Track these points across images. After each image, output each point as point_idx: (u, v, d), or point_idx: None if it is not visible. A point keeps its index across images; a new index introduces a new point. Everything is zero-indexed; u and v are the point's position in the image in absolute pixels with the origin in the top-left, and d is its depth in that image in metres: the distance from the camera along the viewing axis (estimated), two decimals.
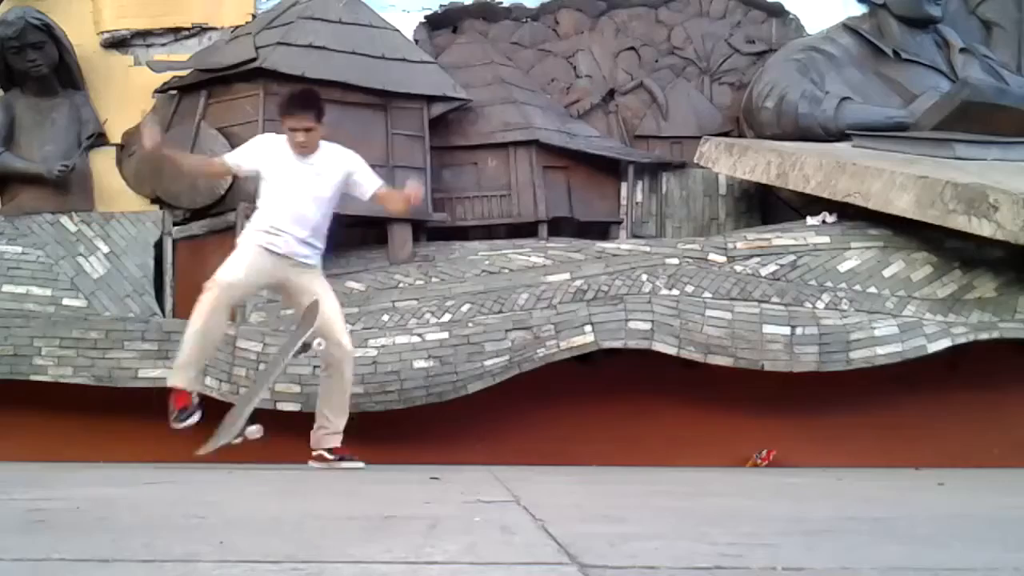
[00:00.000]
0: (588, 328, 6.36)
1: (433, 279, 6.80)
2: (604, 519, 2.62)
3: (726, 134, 7.72)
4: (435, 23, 8.07)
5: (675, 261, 6.71)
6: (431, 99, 7.31)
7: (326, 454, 5.56)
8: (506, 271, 6.77)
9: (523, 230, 7.44)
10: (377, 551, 1.90)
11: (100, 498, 3.16)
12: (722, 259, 6.74)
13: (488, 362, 6.31)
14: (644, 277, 6.58)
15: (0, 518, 2.48)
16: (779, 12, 8.13)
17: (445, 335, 6.36)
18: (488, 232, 7.47)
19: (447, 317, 6.51)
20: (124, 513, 2.70)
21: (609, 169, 7.70)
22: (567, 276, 6.66)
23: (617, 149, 7.76)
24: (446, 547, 1.98)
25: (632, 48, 8.13)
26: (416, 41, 7.78)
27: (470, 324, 6.42)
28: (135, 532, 2.15)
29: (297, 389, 6.23)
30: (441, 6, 8.01)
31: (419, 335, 6.37)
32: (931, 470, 5.96)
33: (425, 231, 7.28)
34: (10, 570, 1.61)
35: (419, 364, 6.27)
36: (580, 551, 1.93)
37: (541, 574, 1.70)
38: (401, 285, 6.79)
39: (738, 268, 6.67)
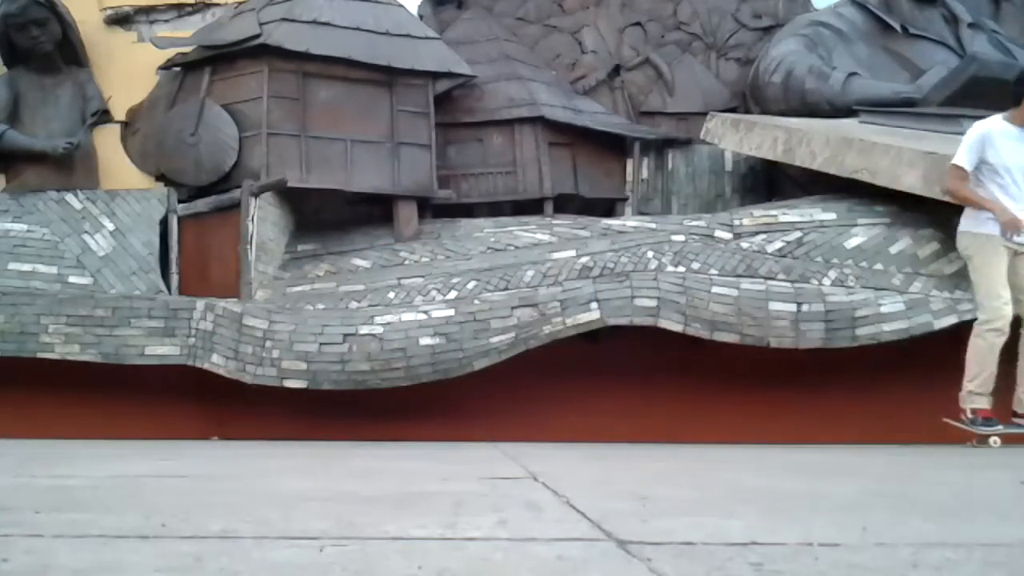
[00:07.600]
0: (594, 305, 6.35)
1: (439, 256, 6.78)
2: (627, 495, 2.62)
3: (732, 110, 7.70)
4: None
5: (681, 238, 6.70)
6: (436, 75, 7.27)
7: None
8: (512, 248, 6.76)
9: (528, 207, 7.42)
10: (412, 527, 1.90)
11: (122, 475, 3.16)
12: (728, 236, 6.72)
13: (494, 339, 6.31)
14: (650, 254, 6.57)
15: (28, 496, 2.48)
16: None
17: (451, 312, 6.35)
18: (493, 209, 7.44)
19: (453, 294, 6.50)
20: (150, 491, 2.70)
21: (614, 145, 7.68)
22: (573, 253, 6.64)
23: (623, 125, 7.74)
24: (479, 523, 1.99)
25: (638, 23, 8.10)
26: (421, 17, 7.74)
27: (476, 301, 6.41)
28: (166, 509, 2.15)
29: (303, 367, 6.23)
30: None
31: (425, 312, 6.36)
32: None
33: (430, 208, 7.27)
34: (53, 547, 1.60)
35: (425, 341, 6.26)
36: (613, 527, 1.93)
37: (580, 550, 1.70)
38: (407, 262, 6.78)
39: (744, 245, 6.66)
